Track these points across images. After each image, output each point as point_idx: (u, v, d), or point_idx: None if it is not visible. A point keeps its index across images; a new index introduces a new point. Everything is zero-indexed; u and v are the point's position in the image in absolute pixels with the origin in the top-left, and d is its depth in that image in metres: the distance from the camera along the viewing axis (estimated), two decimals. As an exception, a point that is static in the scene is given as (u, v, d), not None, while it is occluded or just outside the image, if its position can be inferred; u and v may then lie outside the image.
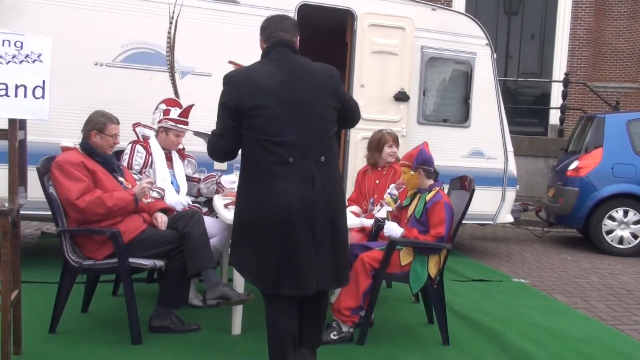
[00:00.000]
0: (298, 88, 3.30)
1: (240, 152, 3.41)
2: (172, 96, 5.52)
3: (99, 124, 4.27)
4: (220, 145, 3.40)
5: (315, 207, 3.25)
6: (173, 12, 5.51)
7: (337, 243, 3.38)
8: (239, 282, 4.14)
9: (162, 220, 4.36)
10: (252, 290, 4.04)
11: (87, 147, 4.25)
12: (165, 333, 4.21)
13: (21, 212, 3.59)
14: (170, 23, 5.48)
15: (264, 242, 3.25)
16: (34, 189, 3.95)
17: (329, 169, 3.36)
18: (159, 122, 5.01)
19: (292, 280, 3.24)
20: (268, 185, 3.23)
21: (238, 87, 3.29)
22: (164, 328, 4.22)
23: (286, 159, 3.21)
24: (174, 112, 5.00)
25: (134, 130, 5.09)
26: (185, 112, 5.03)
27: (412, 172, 4.45)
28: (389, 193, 4.73)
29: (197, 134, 3.83)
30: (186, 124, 4.98)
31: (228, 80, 3.33)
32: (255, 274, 3.32)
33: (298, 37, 3.48)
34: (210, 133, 3.56)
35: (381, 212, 4.96)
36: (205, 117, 5.84)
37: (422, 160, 4.45)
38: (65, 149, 4.21)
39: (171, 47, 5.51)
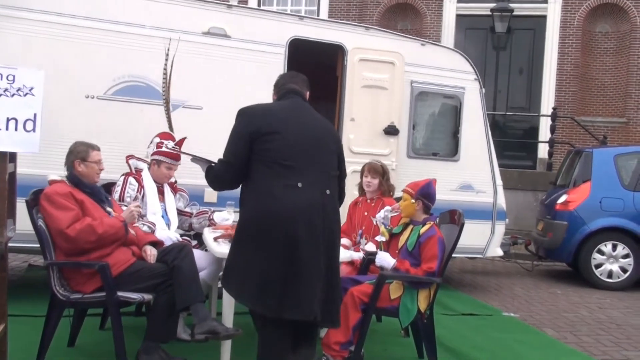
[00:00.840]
0: (309, 125, 3.49)
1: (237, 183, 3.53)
2: (165, 129, 5.55)
3: (81, 152, 4.29)
4: (227, 172, 3.48)
5: (321, 234, 3.34)
6: (168, 49, 5.56)
7: (333, 280, 3.42)
8: (228, 317, 4.11)
9: (151, 253, 4.33)
10: (241, 325, 4.01)
11: (73, 178, 4.25)
12: None
13: (9, 244, 3.56)
14: (166, 60, 5.54)
15: (267, 264, 3.27)
16: (22, 221, 3.93)
17: (333, 203, 3.48)
18: (152, 155, 5.03)
19: (294, 303, 3.27)
20: (275, 208, 3.29)
21: (255, 116, 3.44)
22: None
23: (295, 184, 3.31)
24: (167, 145, 5.03)
25: (127, 162, 5.10)
26: (178, 145, 5.06)
27: (413, 201, 4.47)
28: (382, 219, 4.73)
29: (195, 159, 3.85)
30: (178, 157, 5.00)
31: (244, 112, 3.48)
32: (257, 297, 3.32)
33: (308, 93, 3.67)
34: (207, 159, 3.65)
35: (369, 246, 4.97)
36: (197, 149, 5.89)
37: (425, 193, 4.48)
38: (52, 182, 4.21)
39: (167, 83, 5.56)
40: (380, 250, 4.63)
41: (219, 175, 3.55)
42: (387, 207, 4.83)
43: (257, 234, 3.32)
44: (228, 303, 4.17)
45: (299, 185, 3.31)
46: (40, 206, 4.07)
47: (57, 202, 4.04)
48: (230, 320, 4.12)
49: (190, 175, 5.54)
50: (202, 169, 3.72)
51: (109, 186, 5.03)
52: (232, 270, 3.44)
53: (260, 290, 3.30)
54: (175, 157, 5.01)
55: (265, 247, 3.29)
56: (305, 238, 3.28)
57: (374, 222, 4.92)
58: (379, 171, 5.30)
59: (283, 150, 3.35)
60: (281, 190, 3.30)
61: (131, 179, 4.92)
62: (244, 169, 3.41)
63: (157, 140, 5.07)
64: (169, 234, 4.83)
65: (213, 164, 3.62)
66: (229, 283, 3.47)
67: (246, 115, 3.46)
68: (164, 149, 5.00)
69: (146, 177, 4.98)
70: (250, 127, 3.38)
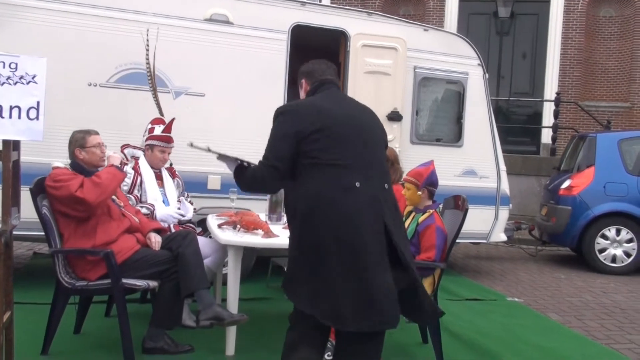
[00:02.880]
0: (357, 117, 3.21)
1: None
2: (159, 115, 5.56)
3: (79, 140, 4.30)
4: (272, 178, 3.07)
5: (388, 234, 3.06)
6: (147, 39, 5.56)
7: (413, 273, 3.16)
8: (233, 303, 4.13)
9: (155, 240, 4.35)
10: (245, 311, 4.03)
11: (76, 166, 4.26)
12: (159, 354, 4.19)
13: (14, 232, 3.57)
14: (147, 49, 5.53)
15: (337, 275, 2.95)
16: (27, 210, 3.94)
17: (392, 196, 3.21)
18: (145, 140, 5.05)
19: (370, 312, 2.95)
20: (335, 215, 2.98)
21: (299, 113, 3.11)
22: (158, 349, 4.20)
23: (353, 184, 3.01)
24: (158, 129, 5.05)
25: (122, 152, 5.10)
26: (168, 127, 5.07)
27: (419, 192, 4.46)
28: None
29: (221, 158, 3.38)
30: (170, 139, 5.01)
31: (285, 110, 3.15)
32: (331, 311, 2.97)
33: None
34: (235, 157, 3.27)
35: None
36: (200, 135, 5.90)
37: (430, 182, 4.46)
38: (56, 168, 4.22)
39: (152, 70, 5.56)
40: None
41: (259, 179, 3.11)
42: None
43: (320, 245, 2.97)
44: (233, 289, 4.19)
45: (357, 185, 3.01)
46: (47, 187, 4.08)
47: (63, 179, 4.07)
48: (235, 306, 4.14)
49: (193, 162, 5.56)
50: (230, 167, 3.31)
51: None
52: (298, 281, 3.08)
53: (334, 303, 2.95)
54: (167, 140, 5.02)
55: (331, 257, 2.95)
56: (371, 242, 2.99)
57: None
58: None
59: (334, 149, 3.03)
60: (339, 193, 2.98)
61: (127, 168, 4.92)
62: (290, 170, 3.07)
63: (149, 126, 5.10)
64: (168, 212, 4.85)
65: (245, 164, 3.23)
66: (297, 295, 3.10)
67: (289, 114, 3.11)
68: (155, 133, 5.02)
69: (143, 164, 4.99)
70: (296, 125, 3.03)
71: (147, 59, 5.57)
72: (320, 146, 3.03)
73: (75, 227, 4.12)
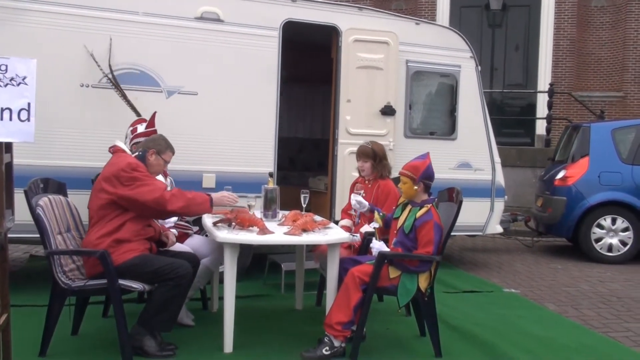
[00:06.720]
0: None
1: None
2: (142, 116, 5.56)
3: (161, 146, 4.54)
4: None
5: None
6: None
7: None
8: (230, 300, 4.15)
9: (171, 240, 4.53)
10: (244, 309, 4.02)
11: (141, 159, 4.45)
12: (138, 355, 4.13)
13: (9, 235, 3.57)
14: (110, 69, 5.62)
15: None
16: (22, 212, 3.93)
17: None
18: (131, 140, 5.02)
19: None
20: None
21: None
22: (136, 349, 4.11)
23: None
24: (141, 127, 5.06)
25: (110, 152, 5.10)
26: (151, 122, 5.12)
27: (415, 187, 4.43)
28: (358, 205, 4.84)
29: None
30: (155, 132, 5.00)
31: None
32: None
33: None
34: None
35: (365, 227, 4.95)
36: (192, 135, 5.90)
37: (427, 176, 4.43)
38: (125, 154, 4.45)
39: (114, 79, 5.65)
40: (375, 238, 4.61)
41: None
42: (354, 196, 4.94)
43: None
44: (230, 287, 4.21)
45: None
46: (122, 171, 4.19)
47: (144, 176, 4.28)
48: (232, 304, 4.16)
49: (186, 161, 5.57)
50: None
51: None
52: None
53: None
54: (152, 135, 4.98)
55: None
56: None
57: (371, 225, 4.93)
58: (369, 155, 5.24)
59: None
60: None
61: None
62: None
63: (131, 128, 5.14)
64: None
65: None
66: None
67: None
68: (139, 131, 5.03)
69: None
70: None
71: (110, 62, 5.66)
72: None
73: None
